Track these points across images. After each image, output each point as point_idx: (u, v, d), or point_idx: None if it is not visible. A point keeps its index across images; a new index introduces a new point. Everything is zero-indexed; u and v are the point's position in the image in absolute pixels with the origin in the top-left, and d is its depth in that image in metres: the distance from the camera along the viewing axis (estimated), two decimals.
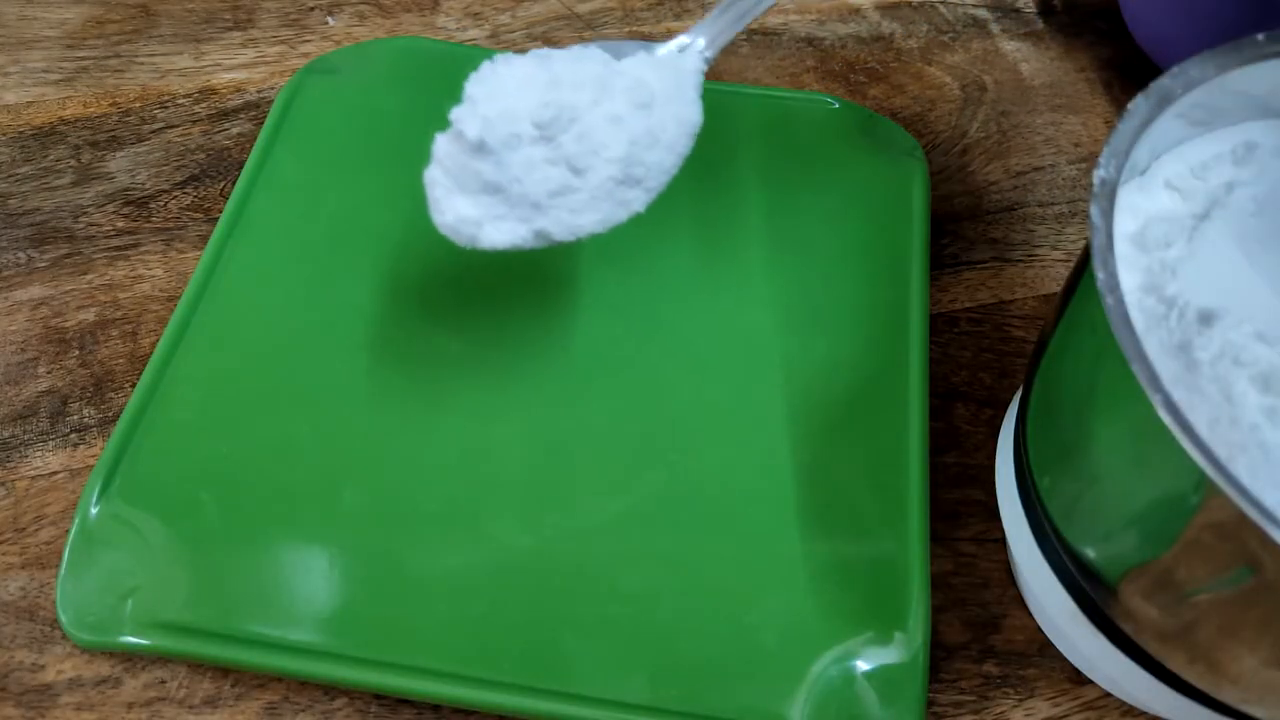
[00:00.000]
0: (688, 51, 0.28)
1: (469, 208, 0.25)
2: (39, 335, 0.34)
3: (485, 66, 0.25)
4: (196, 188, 0.38)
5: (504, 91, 0.25)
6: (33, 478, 0.31)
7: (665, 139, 0.26)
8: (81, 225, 0.37)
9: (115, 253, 0.36)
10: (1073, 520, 0.24)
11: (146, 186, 0.38)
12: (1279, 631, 0.19)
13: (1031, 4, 0.45)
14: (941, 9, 0.45)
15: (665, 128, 0.26)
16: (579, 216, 0.26)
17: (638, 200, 0.27)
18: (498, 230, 0.26)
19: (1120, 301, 0.19)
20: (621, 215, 0.27)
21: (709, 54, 0.28)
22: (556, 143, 0.25)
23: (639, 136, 0.26)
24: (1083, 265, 0.22)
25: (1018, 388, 0.29)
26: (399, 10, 0.44)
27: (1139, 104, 0.22)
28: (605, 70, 0.26)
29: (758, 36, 0.43)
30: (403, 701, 0.28)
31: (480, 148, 0.24)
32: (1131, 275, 0.23)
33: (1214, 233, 0.24)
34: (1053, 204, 0.38)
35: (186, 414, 0.30)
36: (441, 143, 0.25)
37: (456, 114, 0.25)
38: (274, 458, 0.29)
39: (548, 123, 0.24)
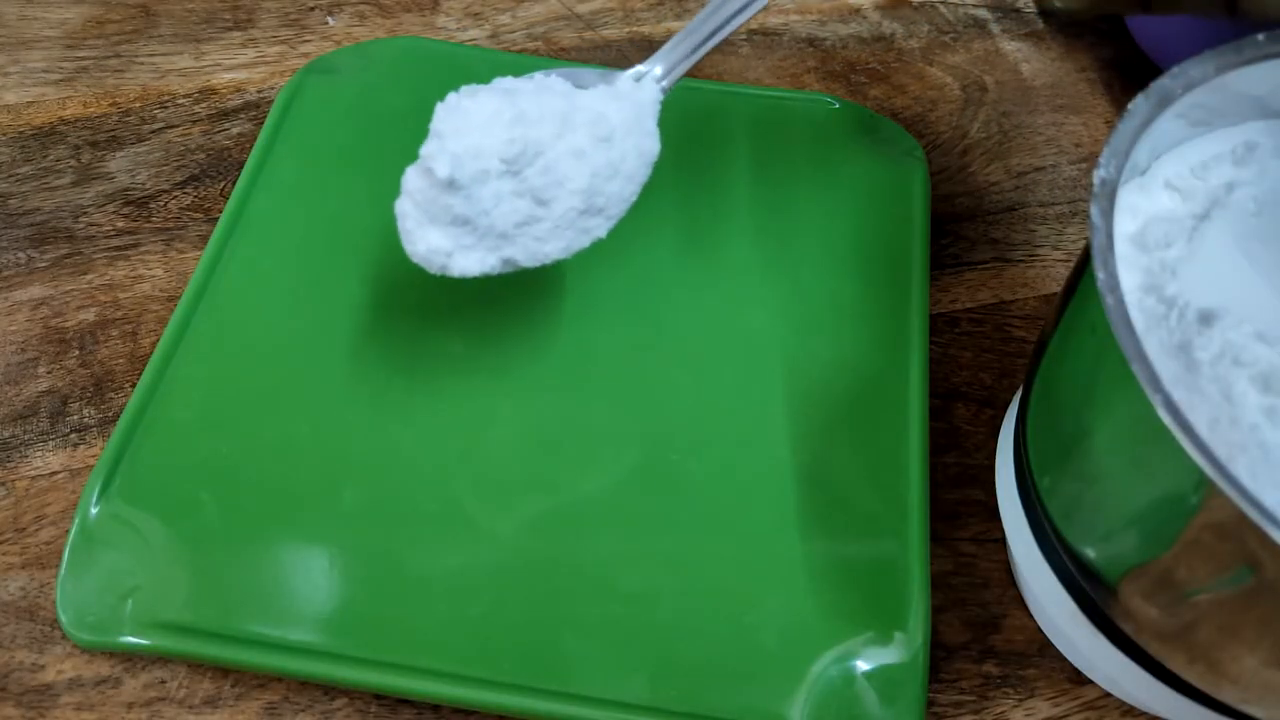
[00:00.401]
0: (645, 81, 0.29)
1: (440, 239, 0.26)
2: (39, 335, 0.34)
3: (451, 99, 0.26)
4: (196, 188, 0.38)
5: (470, 126, 0.25)
6: (33, 478, 0.31)
7: (625, 170, 0.27)
8: (81, 225, 0.37)
9: (115, 253, 0.36)
10: (1073, 520, 0.24)
11: (146, 186, 0.38)
12: (1279, 632, 0.19)
13: (1032, 4, 0.45)
14: (942, 9, 0.45)
15: (625, 159, 0.27)
16: (544, 244, 0.27)
17: (600, 227, 0.28)
18: (467, 259, 0.27)
19: (1120, 302, 0.19)
20: (584, 241, 0.28)
21: (665, 84, 0.29)
22: (522, 176, 0.26)
23: (600, 169, 0.27)
24: (1083, 265, 0.22)
25: (1018, 388, 0.29)
26: (399, 10, 0.44)
27: (1139, 104, 0.22)
28: (567, 104, 0.27)
29: (758, 37, 0.43)
30: (403, 701, 0.28)
31: (450, 184, 0.25)
32: (1131, 275, 0.23)
33: (1214, 233, 0.24)
34: (1054, 204, 0.38)
35: (186, 414, 0.30)
36: (412, 176, 0.26)
37: (426, 151, 0.26)
38: (274, 458, 0.29)
39: (514, 158, 0.25)
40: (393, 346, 0.32)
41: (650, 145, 0.28)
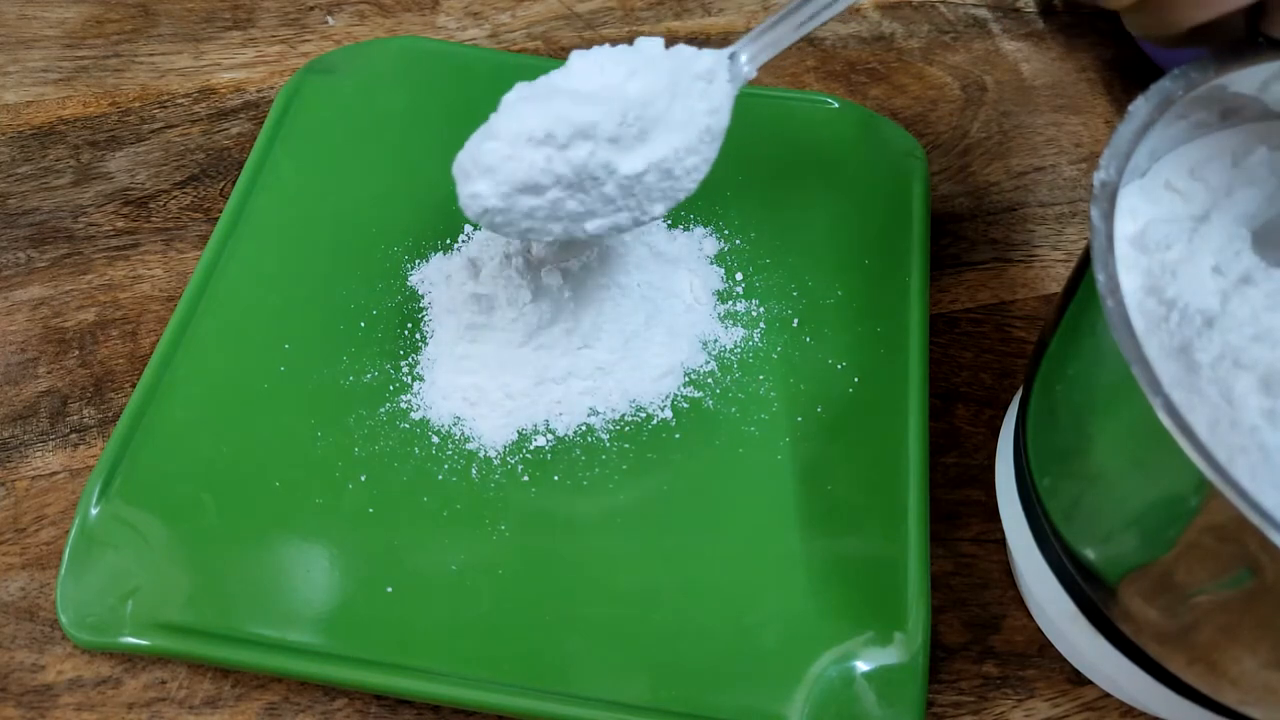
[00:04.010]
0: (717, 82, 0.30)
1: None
2: (39, 335, 0.34)
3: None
4: (196, 188, 0.38)
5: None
6: (33, 478, 0.31)
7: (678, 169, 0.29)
8: (81, 225, 0.37)
9: (115, 253, 0.36)
10: (1073, 521, 0.24)
11: (146, 186, 0.38)
12: (1278, 633, 0.19)
13: (1032, 4, 0.45)
14: (942, 9, 0.45)
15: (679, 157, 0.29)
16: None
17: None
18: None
19: (1121, 304, 0.19)
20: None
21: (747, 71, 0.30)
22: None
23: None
24: (1083, 267, 0.22)
25: (1018, 388, 0.29)
26: (399, 10, 0.44)
27: (1140, 106, 0.22)
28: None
29: None
30: (403, 701, 0.28)
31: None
32: (1132, 277, 0.23)
33: (1214, 234, 0.24)
34: (1054, 204, 0.38)
35: (186, 414, 0.30)
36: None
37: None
38: (274, 458, 0.29)
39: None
40: (393, 346, 0.32)
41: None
